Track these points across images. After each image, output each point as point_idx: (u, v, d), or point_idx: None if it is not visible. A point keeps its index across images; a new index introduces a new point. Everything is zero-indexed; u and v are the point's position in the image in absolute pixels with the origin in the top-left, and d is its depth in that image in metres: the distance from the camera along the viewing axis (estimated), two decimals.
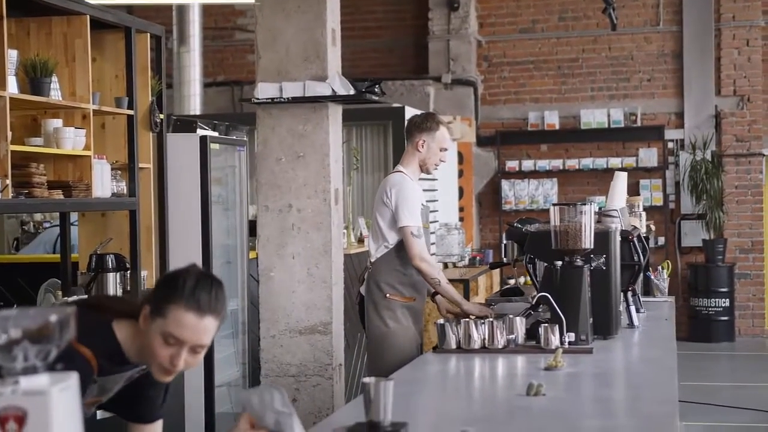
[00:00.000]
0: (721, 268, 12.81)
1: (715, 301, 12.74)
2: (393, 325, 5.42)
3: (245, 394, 2.53)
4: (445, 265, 10.80)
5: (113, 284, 5.72)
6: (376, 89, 5.96)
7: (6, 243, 9.06)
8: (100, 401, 2.94)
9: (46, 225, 8.64)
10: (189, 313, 2.69)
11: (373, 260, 5.55)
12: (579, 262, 4.57)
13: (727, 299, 12.77)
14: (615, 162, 13.11)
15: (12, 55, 5.10)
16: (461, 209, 12.82)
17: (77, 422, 1.89)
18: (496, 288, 10.65)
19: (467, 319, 4.53)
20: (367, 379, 2.89)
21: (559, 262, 4.57)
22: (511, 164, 13.49)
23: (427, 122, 5.54)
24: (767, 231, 13.30)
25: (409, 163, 5.53)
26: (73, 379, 1.85)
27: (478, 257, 11.30)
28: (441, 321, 4.54)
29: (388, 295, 5.44)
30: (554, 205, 4.66)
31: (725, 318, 12.78)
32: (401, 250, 5.38)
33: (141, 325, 2.76)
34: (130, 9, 13.26)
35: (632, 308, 5.21)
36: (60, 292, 5.82)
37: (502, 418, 3.22)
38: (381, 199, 5.45)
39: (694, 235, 13.12)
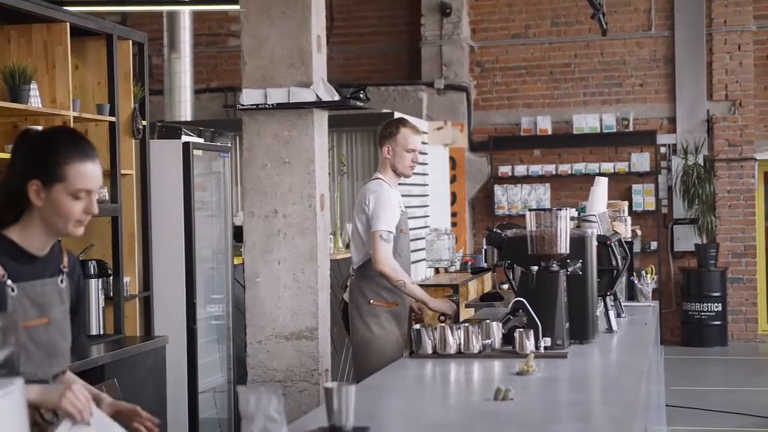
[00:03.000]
0: (713, 273, 12.81)
1: (708, 306, 12.74)
2: (377, 331, 5.47)
3: (244, 390, 2.51)
4: (436, 270, 10.82)
5: (95, 291, 5.73)
6: (360, 95, 5.97)
7: None
8: (47, 323, 2.94)
9: None
10: (86, 163, 2.90)
11: (355, 267, 5.59)
12: (555, 267, 4.57)
13: (720, 304, 12.77)
14: (607, 167, 13.11)
15: None
16: (454, 214, 12.84)
17: (21, 427, 1.90)
18: None
19: (443, 324, 4.54)
20: (328, 384, 2.92)
21: (535, 267, 4.58)
22: (504, 169, 13.50)
23: (387, 129, 5.63)
24: (759, 235, 13.32)
25: (385, 170, 5.61)
26: (16, 384, 1.87)
27: (470, 262, 11.30)
28: (417, 326, 4.55)
29: (372, 301, 5.49)
30: (530, 210, 4.67)
31: (718, 322, 12.78)
32: None
33: (36, 202, 2.87)
34: (124, 16, 13.32)
35: (611, 313, 5.21)
36: None
37: (466, 423, 3.23)
38: (360, 206, 5.50)
39: (686, 239, 13.12)
